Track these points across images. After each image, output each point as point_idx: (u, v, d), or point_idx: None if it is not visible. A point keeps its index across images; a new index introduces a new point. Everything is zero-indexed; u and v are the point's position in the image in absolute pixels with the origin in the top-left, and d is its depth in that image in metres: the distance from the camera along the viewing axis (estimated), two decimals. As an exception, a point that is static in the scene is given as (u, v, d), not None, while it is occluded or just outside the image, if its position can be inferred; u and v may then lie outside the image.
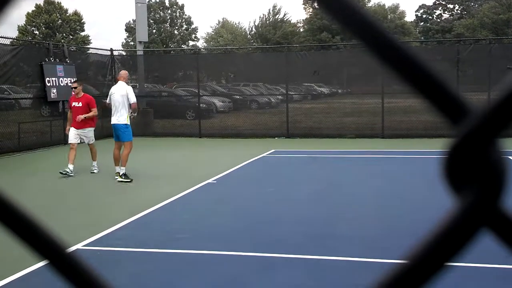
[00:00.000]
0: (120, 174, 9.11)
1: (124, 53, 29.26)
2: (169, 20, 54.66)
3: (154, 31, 52.01)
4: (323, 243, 5.46)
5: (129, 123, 9.32)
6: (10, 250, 5.31)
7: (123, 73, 9.60)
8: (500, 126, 0.33)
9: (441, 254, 0.34)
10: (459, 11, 54.92)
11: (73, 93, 10.04)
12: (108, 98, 9.61)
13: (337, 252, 5.14)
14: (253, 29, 53.60)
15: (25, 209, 0.45)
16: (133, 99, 9.32)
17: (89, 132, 10.13)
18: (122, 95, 9.25)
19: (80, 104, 9.90)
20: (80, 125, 9.87)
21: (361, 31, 0.34)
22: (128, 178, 9.12)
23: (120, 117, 9.27)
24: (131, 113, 9.41)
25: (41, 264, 4.82)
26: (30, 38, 44.15)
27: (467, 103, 0.35)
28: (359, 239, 5.58)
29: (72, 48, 21.35)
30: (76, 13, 51.76)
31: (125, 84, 9.40)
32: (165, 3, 54.60)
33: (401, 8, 65.96)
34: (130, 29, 51.63)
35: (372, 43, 0.34)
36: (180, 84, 20.76)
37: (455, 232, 0.34)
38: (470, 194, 0.34)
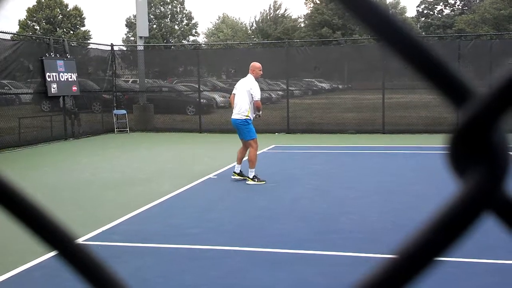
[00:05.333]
0: (250, 177, 8.42)
1: (124, 48, 29.23)
2: (169, 15, 54.54)
3: (154, 26, 51.91)
4: (326, 238, 5.47)
5: (250, 118, 8.43)
6: (12, 245, 5.33)
7: (253, 65, 8.57)
8: (504, 109, 0.33)
9: (444, 238, 0.34)
10: (460, 7, 54.79)
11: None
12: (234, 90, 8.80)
13: (340, 247, 5.15)
14: (254, 24, 53.51)
15: (36, 201, 0.45)
16: (257, 96, 8.39)
17: None
18: (246, 90, 8.42)
19: None
20: None
21: (366, 12, 0.35)
22: (259, 179, 8.39)
23: (239, 113, 8.46)
24: (255, 112, 8.53)
25: (43, 258, 4.85)
26: (30, 33, 44.08)
27: (471, 86, 0.35)
28: (361, 234, 5.59)
29: (73, 43, 21.33)
30: (76, 8, 51.65)
31: (252, 78, 8.50)
32: (165, -2, 54.48)
33: (402, 3, 65.85)
34: (130, 24, 51.55)
35: (376, 25, 0.35)
36: (181, 79, 20.77)
37: (458, 215, 0.34)
38: (474, 176, 0.34)
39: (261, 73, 8.69)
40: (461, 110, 0.35)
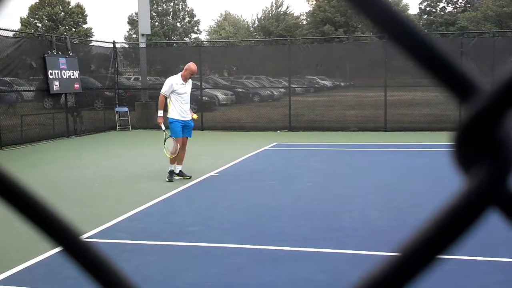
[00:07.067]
0: (168, 171, 8.61)
1: (126, 46, 29.25)
2: (171, 13, 54.52)
3: (156, 23, 51.90)
4: (328, 236, 5.47)
5: (174, 118, 8.49)
6: (14, 242, 5.35)
7: (186, 65, 8.59)
8: (509, 104, 0.33)
9: (448, 235, 0.34)
10: (462, 4, 54.64)
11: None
12: None
13: (342, 245, 5.15)
14: (256, 21, 53.46)
15: (41, 197, 0.46)
16: (162, 90, 8.57)
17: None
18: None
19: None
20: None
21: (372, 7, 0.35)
22: (170, 177, 8.52)
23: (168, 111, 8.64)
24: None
25: (45, 256, 4.86)
26: (32, 30, 44.11)
27: (476, 81, 0.35)
28: (363, 232, 5.59)
29: (75, 40, 21.35)
30: (78, 6, 51.66)
31: (176, 76, 8.60)
32: (167, -5, 54.44)
33: (405, 1, 65.71)
34: (132, 21, 51.53)
35: (380, 20, 0.35)
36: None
37: (462, 212, 0.34)
38: (479, 172, 0.34)
39: (186, 74, 8.48)
40: (466, 105, 0.34)
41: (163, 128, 8.64)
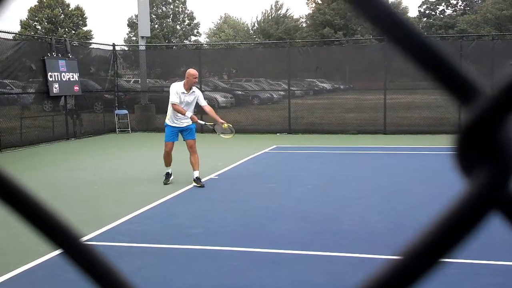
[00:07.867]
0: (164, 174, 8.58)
1: (126, 48, 29.27)
2: (171, 15, 54.57)
3: (156, 26, 51.94)
4: (327, 239, 5.47)
5: (168, 124, 8.49)
6: (14, 244, 5.34)
7: (186, 73, 8.50)
8: (510, 107, 0.33)
9: (449, 238, 0.34)
10: (462, 7, 54.73)
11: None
12: None
13: (341, 248, 5.15)
14: (255, 24, 53.51)
15: (42, 200, 0.45)
16: (170, 99, 8.47)
17: None
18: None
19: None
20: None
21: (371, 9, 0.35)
22: (166, 179, 8.50)
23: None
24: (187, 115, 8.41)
25: (45, 258, 4.85)
26: (32, 33, 44.13)
27: (477, 84, 0.35)
28: (363, 235, 5.59)
29: (75, 43, 21.35)
30: (78, 8, 51.70)
31: (179, 83, 8.59)
32: (167, -2, 54.50)
33: (404, 3, 65.77)
34: (132, 24, 51.58)
35: (381, 22, 0.35)
36: (182, 79, 20.75)
37: (464, 215, 0.34)
38: (480, 175, 0.34)
39: (195, 80, 8.37)
40: (467, 108, 0.34)
41: (203, 122, 8.56)
